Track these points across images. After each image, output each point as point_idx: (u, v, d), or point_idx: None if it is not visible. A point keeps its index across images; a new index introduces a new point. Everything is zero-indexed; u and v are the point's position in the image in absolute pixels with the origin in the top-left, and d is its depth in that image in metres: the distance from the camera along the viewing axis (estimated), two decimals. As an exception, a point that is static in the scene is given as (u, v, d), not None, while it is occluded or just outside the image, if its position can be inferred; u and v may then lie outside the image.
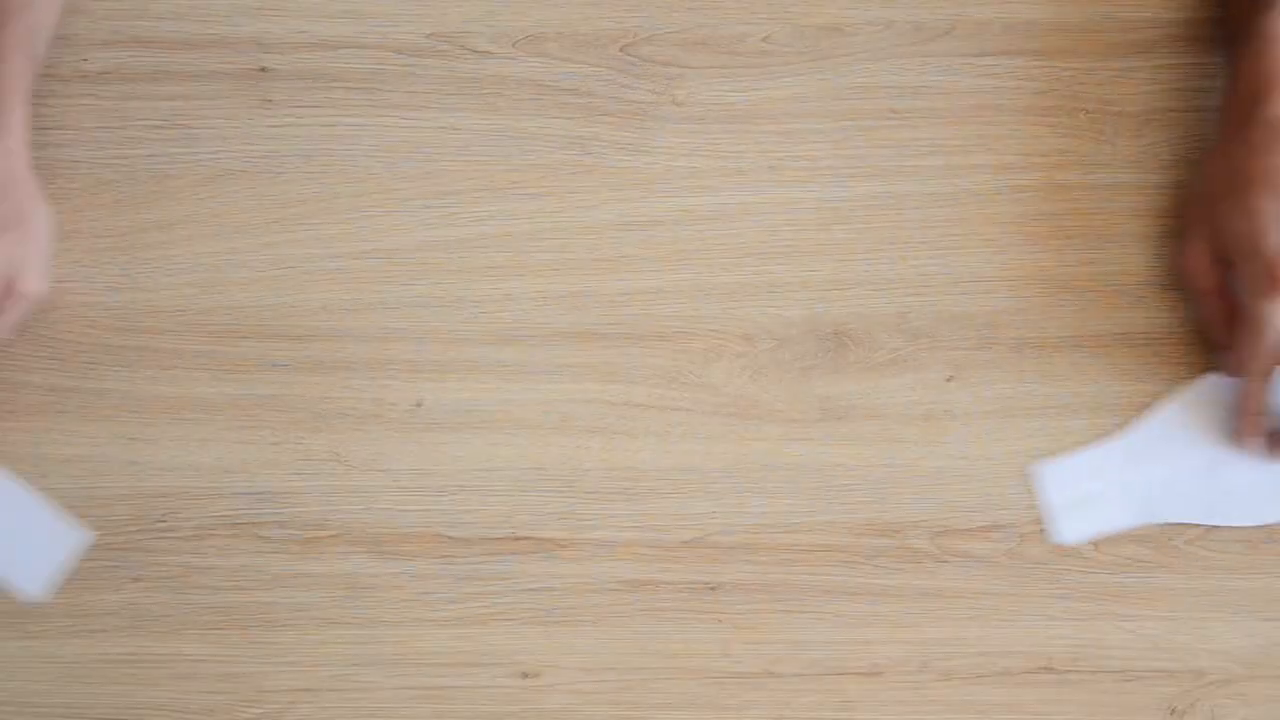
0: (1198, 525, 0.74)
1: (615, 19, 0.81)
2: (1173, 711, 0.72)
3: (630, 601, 0.74)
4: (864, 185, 0.78)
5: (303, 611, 0.74)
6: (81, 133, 0.80)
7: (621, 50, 0.81)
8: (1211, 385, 0.75)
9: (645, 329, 0.74)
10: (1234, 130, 0.72)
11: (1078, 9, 0.80)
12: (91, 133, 0.80)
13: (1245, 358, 0.70)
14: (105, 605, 0.74)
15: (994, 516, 0.74)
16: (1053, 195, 0.78)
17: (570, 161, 0.79)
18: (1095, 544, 0.73)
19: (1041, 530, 0.74)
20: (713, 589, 0.74)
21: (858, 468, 0.75)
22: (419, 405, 0.76)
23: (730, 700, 0.72)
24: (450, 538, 0.74)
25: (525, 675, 0.73)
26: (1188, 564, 0.73)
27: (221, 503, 0.75)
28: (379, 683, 0.73)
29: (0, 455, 0.76)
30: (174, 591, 0.74)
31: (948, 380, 0.77)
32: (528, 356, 0.77)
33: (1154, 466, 0.74)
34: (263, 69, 0.80)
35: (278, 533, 0.75)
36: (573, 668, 0.73)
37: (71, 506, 0.75)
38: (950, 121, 0.79)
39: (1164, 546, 0.73)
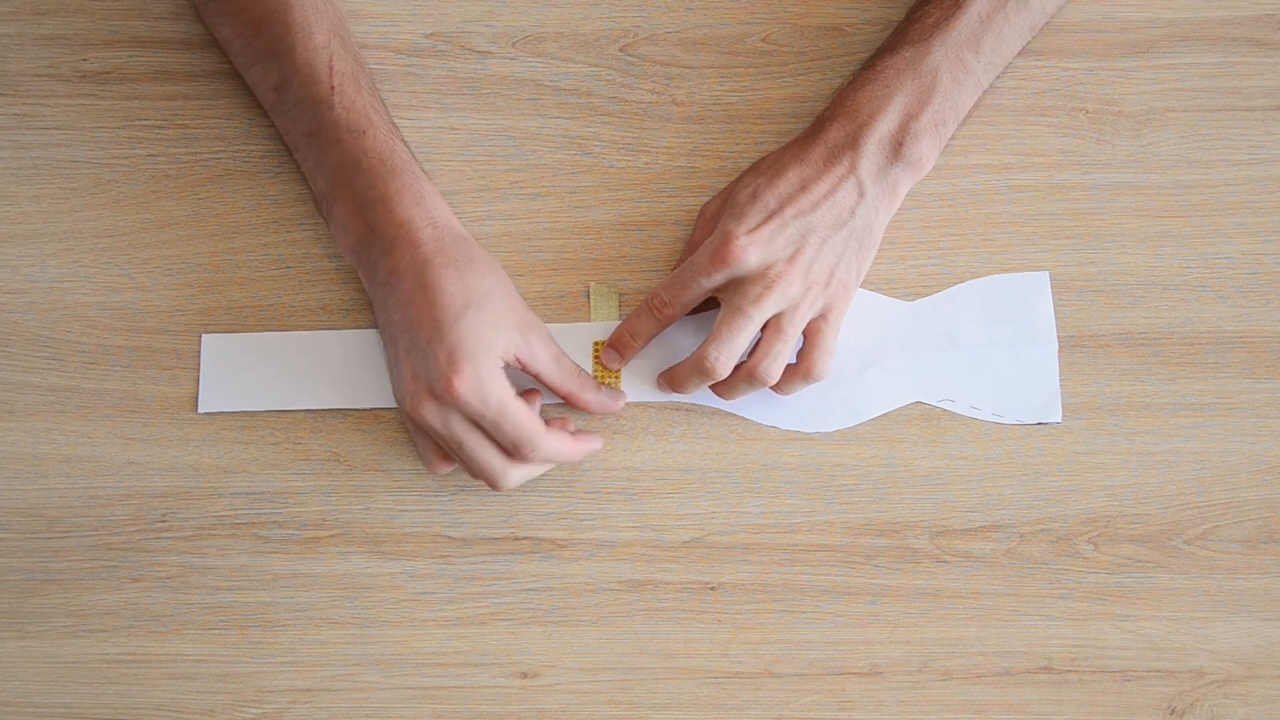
0: (1198, 525, 0.74)
1: (615, 19, 0.81)
2: (1172, 711, 0.71)
3: (630, 601, 0.74)
4: (863, 185, 0.78)
5: (302, 612, 0.74)
6: (81, 133, 0.80)
7: (621, 50, 0.81)
8: None
9: (645, 329, 0.74)
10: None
11: (1078, 9, 0.80)
12: (91, 133, 0.80)
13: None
14: (105, 605, 0.74)
15: (993, 516, 0.74)
16: (1052, 195, 0.78)
17: (570, 161, 0.79)
18: (1095, 543, 0.73)
19: (1041, 530, 0.74)
20: (712, 589, 0.74)
21: (857, 468, 0.75)
22: (418, 405, 0.76)
23: (730, 700, 0.72)
24: (450, 538, 0.74)
25: (524, 675, 0.73)
26: (1187, 564, 0.73)
27: (221, 503, 0.75)
28: (379, 683, 0.73)
29: (0, 455, 0.76)
30: (173, 591, 0.74)
31: (947, 380, 0.77)
32: (527, 356, 0.77)
33: None
34: (263, 69, 0.79)
35: (277, 533, 0.75)
36: (572, 668, 0.73)
37: (71, 506, 0.75)
38: (949, 121, 0.79)
39: (1164, 546, 0.73)
